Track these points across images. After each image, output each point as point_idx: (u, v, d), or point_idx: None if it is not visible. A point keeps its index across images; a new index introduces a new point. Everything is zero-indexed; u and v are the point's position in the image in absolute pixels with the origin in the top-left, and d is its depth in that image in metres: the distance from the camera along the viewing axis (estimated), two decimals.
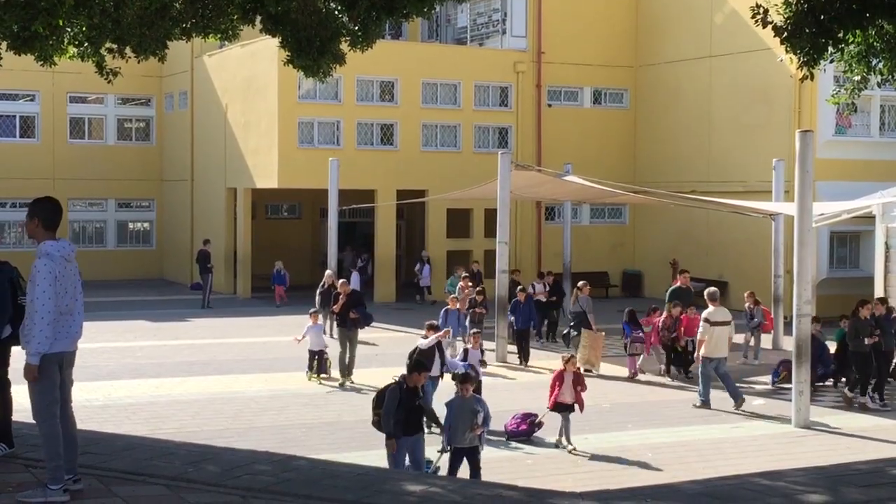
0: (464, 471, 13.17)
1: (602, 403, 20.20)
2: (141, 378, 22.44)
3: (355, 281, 34.11)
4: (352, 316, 22.33)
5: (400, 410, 12.60)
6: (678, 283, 25.30)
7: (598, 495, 9.05)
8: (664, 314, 23.53)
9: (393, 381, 12.98)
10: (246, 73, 38.52)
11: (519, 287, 26.32)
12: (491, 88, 39.25)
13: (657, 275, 38.89)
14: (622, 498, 8.73)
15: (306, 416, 18.94)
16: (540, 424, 17.07)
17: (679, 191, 32.83)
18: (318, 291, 28.22)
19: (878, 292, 28.36)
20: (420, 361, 14.14)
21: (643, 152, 40.29)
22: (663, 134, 39.11)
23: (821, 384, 21.80)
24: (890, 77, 14.28)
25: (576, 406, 16.70)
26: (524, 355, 24.99)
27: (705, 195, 31.75)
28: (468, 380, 13.89)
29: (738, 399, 19.87)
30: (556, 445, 16.50)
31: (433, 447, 14.29)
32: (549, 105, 40.02)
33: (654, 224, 39.38)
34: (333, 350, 22.77)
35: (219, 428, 17.71)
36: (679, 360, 23.62)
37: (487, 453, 14.24)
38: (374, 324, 24.69)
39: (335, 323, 23.89)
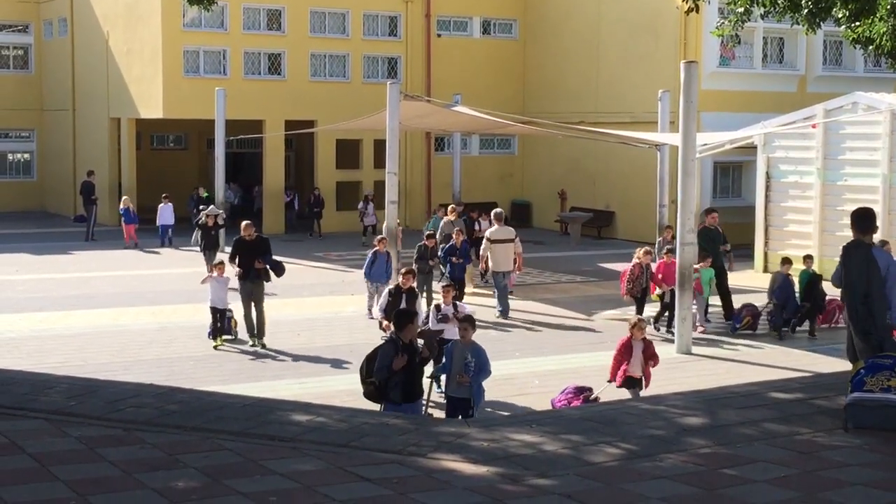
0: None
1: (489, 331, 20.44)
2: (23, 312, 21.99)
3: (167, 214, 33.45)
4: (257, 266, 18.73)
5: (400, 371, 11.03)
6: (706, 224, 22.15)
7: (483, 422, 9.15)
8: (633, 262, 20.92)
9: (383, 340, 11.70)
10: (128, 0, 37.56)
11: (456, 227, 23.88)
12: (380, 18, 38.89)
13: (545, 205, 39.25)
14: (508, 424, 8.85)
15: (194, 348, 18.79)
16: (595, 401, 13.62)
17: (567, 121, 33.00)
18: (195, 224, 27.52)
19: (760, 221, 29.03)
20: (406, 311, 12.57)
21: (532, 83, 40.39)
22: (552, 65, 39.24)
23: (786, 329, 20.58)
24: (772, 9, 14.49)
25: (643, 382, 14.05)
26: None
27: (593, 126, 31.99)
28: (468, 321, 12.75)
29: (505, 313, 21.97)
30: None
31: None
32: (439, 35, 39.83)
33: (543, 154, 39.63)
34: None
35: (103, 362, 17.49)
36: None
37: None
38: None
39: (236, 276, 19.33)
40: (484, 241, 23.11)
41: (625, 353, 13.94)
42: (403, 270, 17.37)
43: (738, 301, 21.69)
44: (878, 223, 26.12)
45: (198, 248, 27.27)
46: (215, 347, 18.76)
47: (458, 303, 16.79)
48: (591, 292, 25.99)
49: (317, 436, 8.23)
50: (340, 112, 35.08)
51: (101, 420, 8.56)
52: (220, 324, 19.01)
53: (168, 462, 7.50)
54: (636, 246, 32.99)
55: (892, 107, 26.37)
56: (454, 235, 22.99)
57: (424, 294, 21.66)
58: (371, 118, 29.11)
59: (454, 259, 22.36)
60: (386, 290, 17.08)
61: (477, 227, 27.80)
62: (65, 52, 42.32)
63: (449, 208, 26.82)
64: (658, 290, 20.92)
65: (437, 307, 16.25)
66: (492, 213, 24.15)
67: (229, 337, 19.24)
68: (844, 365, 10.30)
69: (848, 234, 29.47)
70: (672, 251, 20.67)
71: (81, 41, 41.09)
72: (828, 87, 33.48)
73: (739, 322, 20.88)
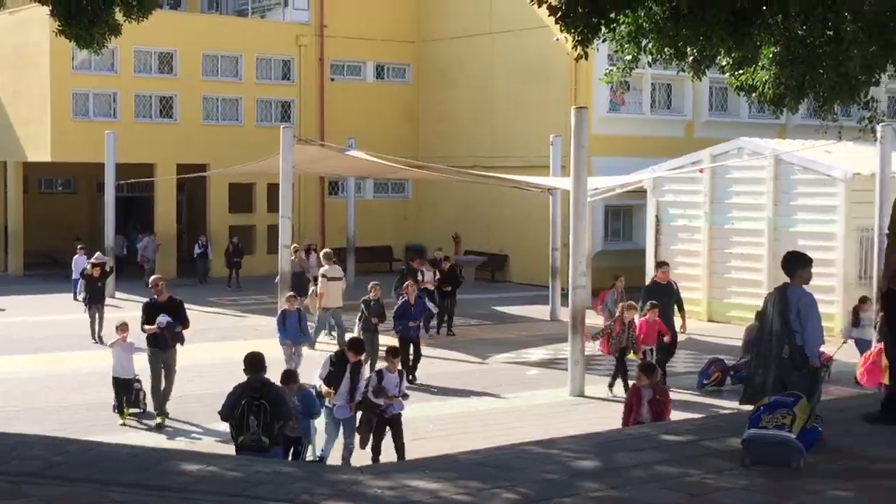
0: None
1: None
2: None
3: (79, 265, 29.93)
4: (155, 330, 16.68)
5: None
6: (656, 278, 21.06)
7: (377, 468, 9.12)
8: (614, 319, 19.66)
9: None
10: (16, 42, 36.94)
11: (406, 282, 21.83)
12: (273, 62, 38.84)
13: (440, 248, 39.36)
14: (402, 470, 8.82)
15: (84, 396, 18.40)
16: None
17: (461, 166, 33.27)
18: (81, 276, 25.52)
19: (650, 264, 29.48)
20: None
21: (426, 127, 40.64)
22: (446, 109, 39.54)
23: None
24: (658, 57, 14.75)
25: None
26: (411, 369, 19.93)
27: (487, 170, 32.28)
28: (288, 377, 12.98)
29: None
30: None
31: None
32: (332, 79, 39.91)
33: (438, 198, 39.81)
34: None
35: None
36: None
37: None
38: None
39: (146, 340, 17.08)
40: (320, 278, 23.47)
41: (634, 400, 13.36)
42: (350, 343, 15.11)
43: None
44: (764, 265, 26.90)
45: (81, 300, 25.57)
46: (122, 424, 16.66)
47: (404, 375, 15.26)
48: (486, 336, 26.11)
49: (208, 485, 8.11)
50: (233, 156, 34.85)
51: None
52: (126, 396, 16.91)
53: None
54: (529, 289, 33.49)
55: (776, 152, 27.09)
56: (407, 289, 20.67)
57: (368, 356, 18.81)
58: (264, 162, 29.01)
59: (412, 323, 20.24)
60: (327, 358, 14.63)
61: (420, 278, 24.91)
62: None
63: (319, 250, 26.45)
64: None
65: (380, 374, 14.44)
66: (321, 253, 24.77)
67: (137, 410, 17.14)
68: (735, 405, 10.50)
69: (735, 276, 30.18)
70: (655, 306, 19.15)
71: None
72: (714, 133, 34.20)
73: (707, 378, 19.61)
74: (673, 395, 18.63)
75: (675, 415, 14.40)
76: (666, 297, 20.00)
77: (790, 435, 8.17)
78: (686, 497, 7.73)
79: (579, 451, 9.28)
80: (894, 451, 8.66)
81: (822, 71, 13.71)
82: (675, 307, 20.30)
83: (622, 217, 35.63)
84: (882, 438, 9.05)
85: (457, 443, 14.79)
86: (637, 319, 19.05)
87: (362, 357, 14.96)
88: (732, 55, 14.23)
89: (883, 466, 8.25)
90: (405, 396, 14.59)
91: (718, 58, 14.63)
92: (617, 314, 19.67)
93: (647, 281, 28.05)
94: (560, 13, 13.18)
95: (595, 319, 23.96)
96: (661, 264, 21.44)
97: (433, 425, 16.57)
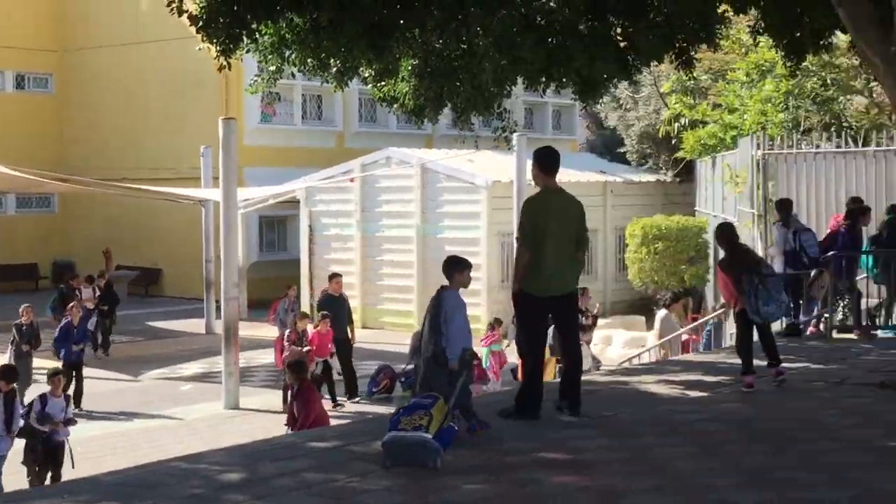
0: None
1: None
2: None
3: None
4: None
5: None
6: (329, 290, 20.66)
7: (11, 497, 8.72)
8: (288, 330, 19.33)
9: None
10: None
11: (72, 303, 20.60)
12: None
13: (90, 264, 37.98)
14: (39, 497, 8.48)
15: None
16: None
17: (110, 178, 32.27)
18: None
19: (304, 273, 29.73)
20: None
21: (72, 139, 39.18)
22: (93, 120, 38.27)
23: None
24: (302, 68, 14.94)
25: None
26: (75, 397, 18.24)
27: (138, 182, 31.48)
28: None
29: None
30: None
31: None
32: None
33: (87, 212, 38.46)
34: None
35: None
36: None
37: None
38: None
39: None
40: None
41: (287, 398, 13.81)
42: (2, 371, 13.75)
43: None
44: (414, 272, 27.69)
45: None
46: None
47: (69, 398, 14.48)
48: (139, 352, 25.55)
49: None
50: None
51: None
52: None
53: None
54: (184, 303, 32.98)
55: (422, 161, 27.96)
56: (72, 310, 19.45)
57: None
58: None
59: (75, 346, 19.06)
60: (36, 397, 13.93)
61: (78, 295, 23.60)
62: None
63: None
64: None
65: (43, 399, 13.66)
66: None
67: None
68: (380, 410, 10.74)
69: (387, 283, 30.87)
70: (326, 317, 18.90)
71: None
72: (364, 143, 34.91)
73: (377, 386, 19.81)
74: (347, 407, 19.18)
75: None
76: (339, 308, 19.89)
77: (427, 436, 8.44)
78: (331, 501, 7.85)
79: (227, 463, 9.23)
80: (526, 443, 9.12)
81: (458, 83, 14.30)
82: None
83: (276, 228, 35.69)
84: (516, 432, 9.51)
85: (107, 464, 14.35)
86: (310, 330, 18.95)
87: (15, 385, 13.97)
88: (374, 67, 14.60)
89: (515, 459, 8.67)
90: (72, 422, 13.96)
91: (361, 69, 14.97)
92: (290, 324, 19.59)
93: (307, 291, 28.48)
94: (201, 23, 13.10)
95: (251, 330, 23.95)
96: (334, 276, 21.07)
97: (81, 448, 15.95)
